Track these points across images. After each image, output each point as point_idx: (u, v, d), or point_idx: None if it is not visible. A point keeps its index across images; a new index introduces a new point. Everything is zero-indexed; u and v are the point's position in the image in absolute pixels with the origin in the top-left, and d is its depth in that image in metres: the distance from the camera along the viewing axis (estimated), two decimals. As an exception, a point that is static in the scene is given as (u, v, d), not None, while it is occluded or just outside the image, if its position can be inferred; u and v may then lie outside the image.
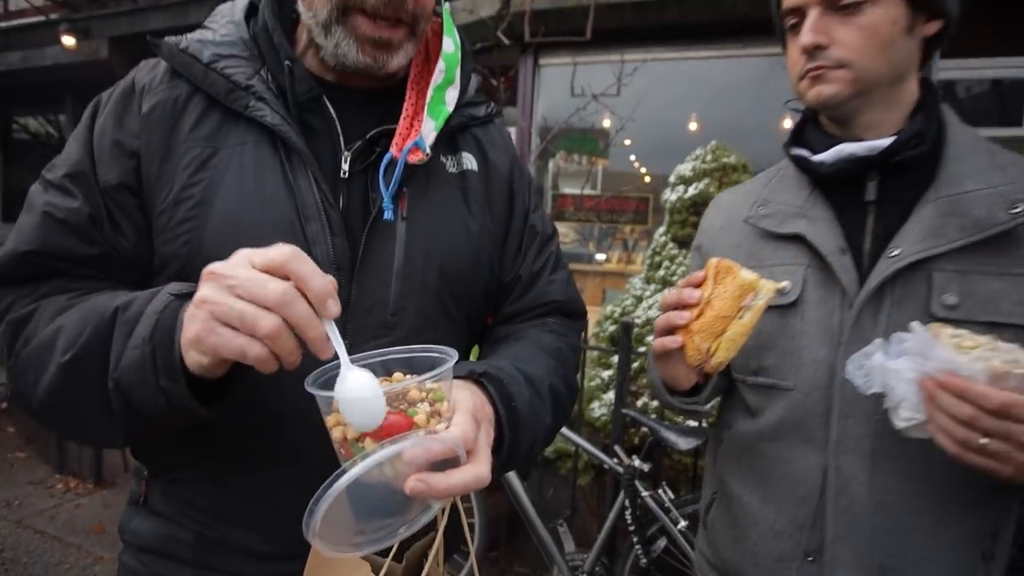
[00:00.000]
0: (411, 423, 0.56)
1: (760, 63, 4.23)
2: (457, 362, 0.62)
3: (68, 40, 6.35)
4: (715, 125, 4.62)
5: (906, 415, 0.73)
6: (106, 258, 0.75)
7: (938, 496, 0.83)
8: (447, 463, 0.57)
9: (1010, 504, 0.86)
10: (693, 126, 4.85)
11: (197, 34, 0.81)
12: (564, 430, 2.50)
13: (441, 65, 0.83)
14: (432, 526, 0.65)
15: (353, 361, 0.60)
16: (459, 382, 0.69)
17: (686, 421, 2.52)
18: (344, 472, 0.50)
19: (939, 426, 0.69)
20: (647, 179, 5.07)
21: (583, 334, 2.60)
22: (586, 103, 3.28)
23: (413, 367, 0.64)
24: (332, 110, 0.80)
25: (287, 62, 0.77)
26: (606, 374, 2.96)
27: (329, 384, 0.58)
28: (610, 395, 2.84)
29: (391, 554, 0.67)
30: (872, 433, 0.84)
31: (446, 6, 0.88)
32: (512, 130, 4.52)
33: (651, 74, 4.20)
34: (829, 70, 0.85)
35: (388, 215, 0.77)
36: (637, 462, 2.33)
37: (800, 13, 0.87)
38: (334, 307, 0.57)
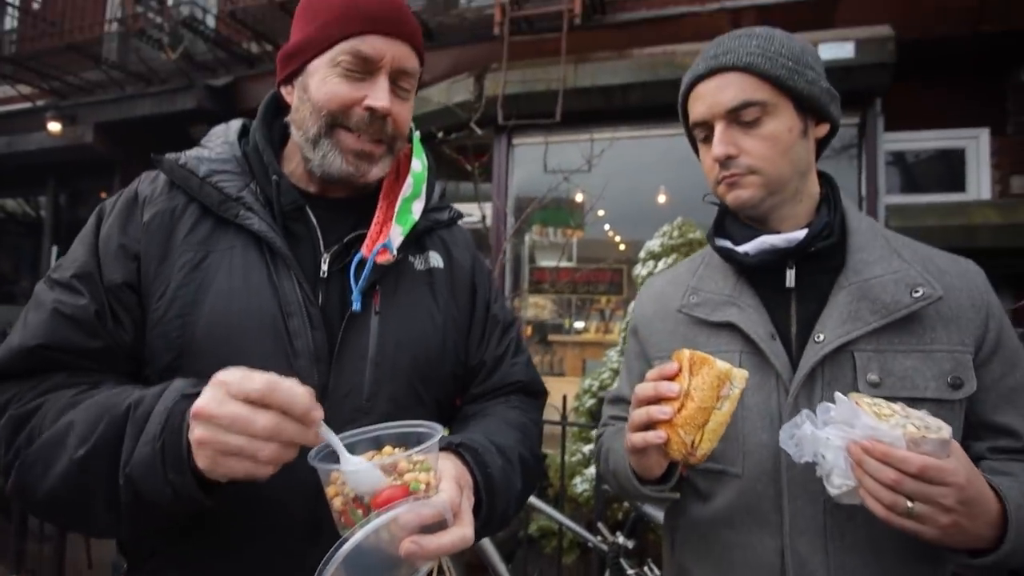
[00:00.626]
0: (406, 491, 0.64)
1: (720, 139, 4.48)
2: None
3: (54, 126, 6.49)
4: (682, 196, 4.84)
5: (838, 482, 0.75)
6: (108, 351, 0.81)
7: (889, 567, 0.87)
8: (435, 526, 0.64)
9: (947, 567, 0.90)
10: (662, 198, 5.06)
11: (195, 151, 0.91)
12: (547, 508, 2.47)
13: (410, 181, 0.96)
14: None
15: (351, 436, 0.69)
16: (440, 452, 0.75)
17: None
18: (348, 539, 0.57)
19: (868, 490, 0.72)
20: (622, 247, 5.23)
21: (563, 408, 2.62)
22: (558, 183, 3.43)
23: (402, 441, 0.71)
24: (313, 218, 0.90)
25: (274, 177, 0.88)
26: (587, 448, 2.96)
27: (327, 459, 0.66)
28: (592, 470, 2.83)
29: None
30: (823, 512, 0.87)
31: (416, 133, 1.01)
32: (488, 206, 4.67)
33: (619, 151, 4.43)
34: (741, 176, 0.93)
35: (356, 306, 0.86)
36: (621, 539, 2.29)
37: (708, 127, 0.96)
38: (318, 414, 0.64)
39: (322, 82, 0.86)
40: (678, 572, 1.06)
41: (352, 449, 0.69)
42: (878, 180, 4.19)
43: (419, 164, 0.99)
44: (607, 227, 5.45)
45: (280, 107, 0.98)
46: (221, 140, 0.94)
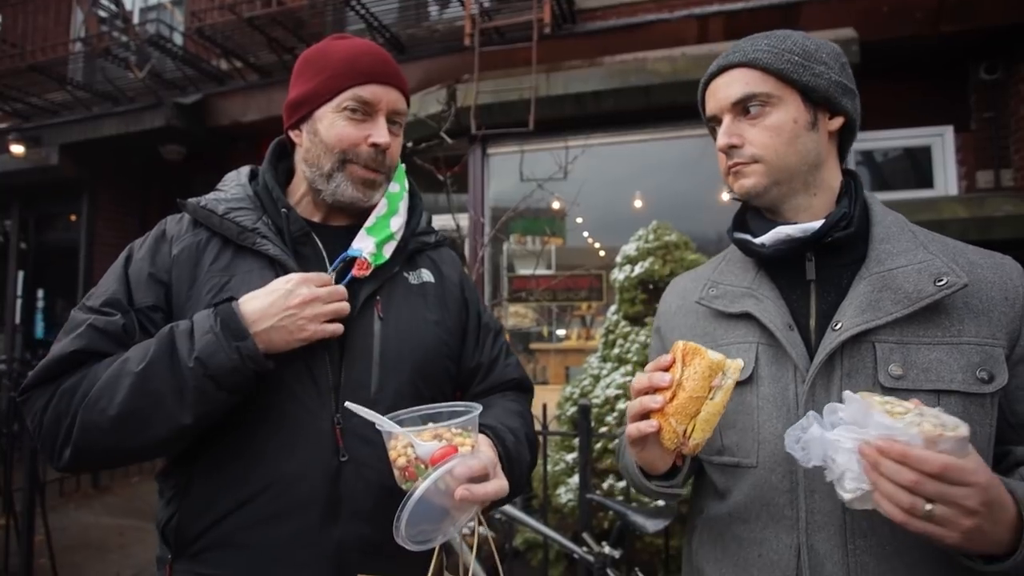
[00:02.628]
0: (455, 450, 0.81)
1: (693, 143, 4.53)
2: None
3: (17, 148, 6.34)
4: (658, 200, 4.86)
5: (851, 486, 0.72)
6: None
7: (914, 571, 0.82)
8: (480, 479, 0.81)
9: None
10: (638, 203, 5.09)
11: (212, 194, 1.09)
12: (531, 521, 2.42)
13: (384, 201, 1.12)
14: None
15: (405, 413, 0.89)
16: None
17: (653, 503, 2.48)
18: (420, 484, 0.76)
19: (884, 494, 0.68)
20: (601, 253, 5.24)
21: (543, 418, 2.58)
22: (532, 190, 3.42)
23: (446, 417, 0.89)
24: (319, 242, 1.08)
25: (284, 210, 1.06)
26: (570, 457, 2.92)
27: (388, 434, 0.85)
28: (575, 479, 2.79)
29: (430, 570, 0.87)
30: (842, 507, 0.83)
31: (401, 165, 1.17)
32: (461, 216, 4.65)
33: (594, 158, 4.45)
34: (745, 165, 0.96)
35: (347, 277, 1.04)
36: (607, 549, 2.26)
37: (718, 120, 1.00)
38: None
39: (331, 125, 1.03)
40: (694, 573, 1.03)
41: (404, 423, 0.87)
42: (848, 179, 4.25)
43: (396, 186, 1.15)
44: (586, 234, 5.46)
45: (281, 153, 1.16)
46: (234, 183, 1.11)
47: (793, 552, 0.86)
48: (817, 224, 0.93)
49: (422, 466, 0.81)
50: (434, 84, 4.86)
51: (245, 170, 1.15)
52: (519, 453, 1.03)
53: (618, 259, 3.21)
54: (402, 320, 1.07)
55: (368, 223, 1.08)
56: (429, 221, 1.23)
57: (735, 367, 0.81)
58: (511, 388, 1.22)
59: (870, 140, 4.80)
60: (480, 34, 4.62)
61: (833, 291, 0.93)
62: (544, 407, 2.58)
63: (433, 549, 0.84)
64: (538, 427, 2.60)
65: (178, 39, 6.22)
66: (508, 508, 2.38)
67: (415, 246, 1.16)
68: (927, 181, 4.78)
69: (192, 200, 1.07)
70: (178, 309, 0.99)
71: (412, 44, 5.39)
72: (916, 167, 4.86)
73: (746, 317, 0.97)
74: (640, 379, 0.86)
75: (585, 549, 2.32)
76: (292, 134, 1.11)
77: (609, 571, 2.22)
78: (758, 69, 0.96)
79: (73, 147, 6.54)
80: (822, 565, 0.84)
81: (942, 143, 4.73)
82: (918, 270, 0.87)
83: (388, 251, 1.09)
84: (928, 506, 0.67)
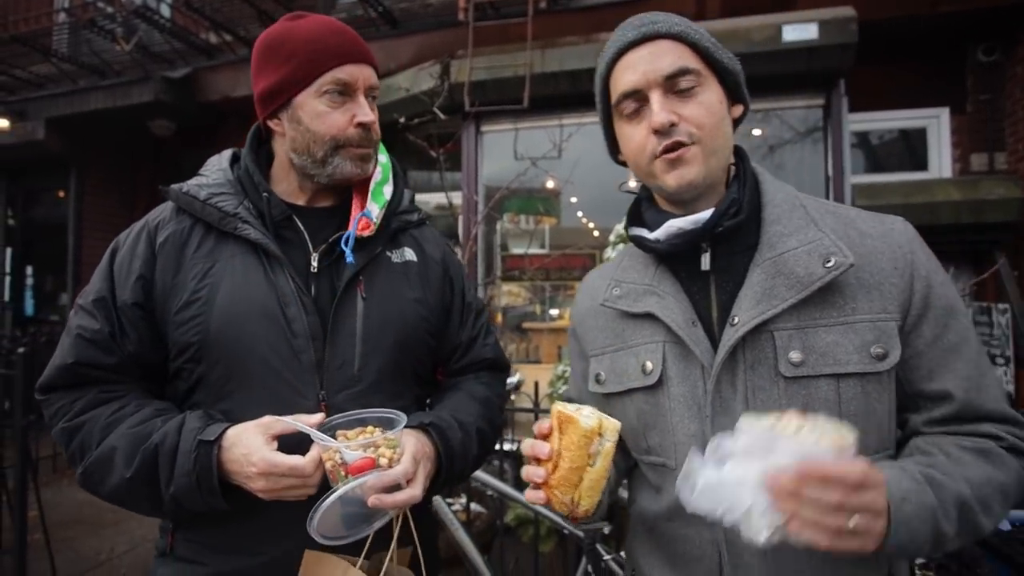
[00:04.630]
0: (374, 463, 0.89)
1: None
2: (411, 415, 1.02)
3: (2, 122, 6.22)
4: (653, 181, 4.82)
5: (763, 523, 0.66)
6: (123, 365, 1.01)
7: (826, 552, 0.83)
8: (394, 488, 0.91)
9: None
10: (632, 183, 5.03)
11: (195, 180, 1.09)
12: (522, 497, 2.45)
13: (379, 169, 1.16)
14: (390, 539, 0.98)
15: (339, 420, 0.95)
16: (409, 430, 0.99)
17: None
18: (333, 491, 0.87)
19: (807, 521, 0.65)
20: (595, 233, 5.22)
21: (535, 396, 2.60)
22: (525, 169, 3.39)
23: (381, 423, 0.96)
24: (301, 225, 1.09)
25: (265, 194, 1.07)
26: (562, 434, 2.94)
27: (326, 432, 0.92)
28: (567, 456, 2.81)
29: (363, 555, 0.96)
30: None
31: None
32: (457, 194, 4.62)
33: (588, 137, 4.38)
34: (686, 150, 0.88)
35: (350, 259, 1.06)
36: (597, 523, 2.29)
37: (640, 97, 0.90)
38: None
39: (315, 113, 1.03)
40: (632, 565, 1.04)
41: (345, 427, 0.94)
42: (844, 160, 4.24)
43: (384, 156, 1.19)
44: (580, 213, 5.43)
45: (262, 137, 1.16)
46: (216, 168, 1.12)
47: (714, 547, 0.87)
48: (707, 215, 0.90)
49: (343, 473, 0.89)
50: (427, 60, 4.78)
51: (227, 154, 1.16)
52: (464, 448, 1.09)
53: (611, 238, 3.20)
54: (384, 299, 1.09)
55: (371, 187, 1.13)
56: (412, 199, 1.25)
57: (612, 429, 0.80)
58: (486, 368, 1.27)
59: (866, 121, 4.78)
60: (475, 9, 4.54)
61: (731, 281, 0.91)
62: (536, 385, 2.59)
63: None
64: (530, 405, 2.62)
65: (165, 11, 6.08)
66: (498, 484, 2.40)
67: (398, 224, 1.18)
68: (922, 163, 4.77)
69: (175, 186, 1.08)
70: (161, 298, 1.02)
71: (405, 18, 5.30)
72: (911, 149, 4.85)
73: (650, 317, 0.94)
74: (524, 446, 0.85)
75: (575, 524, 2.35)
76: (271, 123, 1.09)
77: (599, 546, 2.25)
78: (685, 43, 0.89)
79: (59, 121, 6.42)
80: (740, 556, 0.85)
81: (937, 125, 4.72)
82: (808, 251, 0.85)
83: (379, 219, 1.11)
84: (851, 522, 0.65)
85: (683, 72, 0.87)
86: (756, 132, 4.74)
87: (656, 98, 0.88)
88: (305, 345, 1.01)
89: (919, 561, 2.91)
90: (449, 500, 3.08)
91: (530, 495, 0.84)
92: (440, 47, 4.88)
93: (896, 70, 4.61)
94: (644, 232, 0.97)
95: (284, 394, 0.99)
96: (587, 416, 0.80)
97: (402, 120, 3.16)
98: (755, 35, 4.07)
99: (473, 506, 2.97)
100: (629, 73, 0.90)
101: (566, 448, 0.79)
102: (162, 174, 7.17)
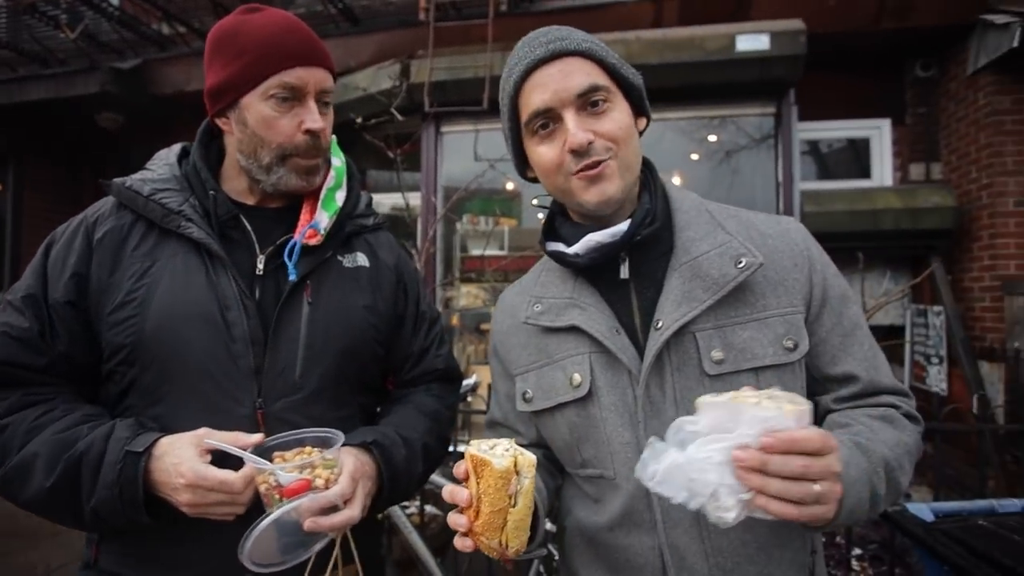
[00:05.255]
0: (309, 485, 0.86)
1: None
2: (355, 432, 1.01)
3: (-67, 111, 5.86)
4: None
5: (730, 501, 0.65)
6: (53, 366, 0.96)
7: (762, 539, 0.86)
8: (331, 509, 0.88)
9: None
10: (543, 198, 5.08)
11: (140, 174, 1.05)
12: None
13: (332, 173, 1.11)
14: (333, 563, 0.95)
15: (276, 441, 0.92)
16: (350, 449, 0.97)
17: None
18: (266, 516, 0.83)
19: (774, 493, 0.65)
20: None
21: (489, 397, 2.60)
22: (484, 170, 3.40)
23: (319, 442, 0.93)
24: (248, 225, 1.05)
25: (211, 192, 1.03)
26: (517, 435, 2.95)
27: (260, 455, 0.88)
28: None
29: (306, 572, 0.93)
30: None
31: (333, 137, 1.13)
32: (415, 195, 4.59)
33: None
34: (604, 165, 0.88)
35: (292, 276, 1.02)
36: (548, 525, 2.31)
37: (553, 116, 0.89)
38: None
39: (261, 117, 0.99)
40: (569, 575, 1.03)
41: (282, 447, 0.92)
42: (793, 167, 4.39)
43: (338, 160, 1.14)
44: (540, 216, 5.46)
45: (213, 132, 1.11)
46: (163, 162, 1.08)
47: (656, 553, 0.88)
48: (624, 227, 0.91)
49: (276, 496, 0.86)
50: (388, 58, 4.74)
51: (176, 148, 1.11)
52: (409, 466, 1.06)
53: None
54: (332, 304, 1.06)
55: (322, 194, 1.08)
56: (369, 203, 1.22)
57: (528, 464, 0.78)
58: (437, 379, 1.24)
59: (814, 130, 4.97)
60: (436, 9, 4.52)
61: (651, 287, 0.93)
62: (490, 387, 2.59)
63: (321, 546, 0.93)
64: (484, 408, 2.62)
65: (114, -1, 5.84)
66: (437, 479, 2.41)
67: (352, 228, 1.14)
68: (867, 172, 4.99)
69: (117, 180, 1.03)
70: (96, 297, 0.97)
71: (366, 16, 5.23)
72: (857, 158, 5.06)
73: (574, 330, 0.94)
74: (445, 493, 0.82)
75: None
76: (219, 121, 1.05)
77: (550, 546, 2.27)
78: (593, 60, 0.89)
79: (-2, 111, 6.09)
80: (683, 559, 0.86)
81: (880, 135, 4.93)
82: (719, 254, 0.89)
83: (329, 225, 1.08)
84: (816, 487, 0.65)
85: (594, 89, 0.88)
86: (712, 138, 4.87)
87: (570, 117, 0.88)
88: (244, 350, 0.97)
89: (855, 552, 3.05)
90: (404, 503, 3.06)
91: (457, 543, 0.81)
92: (401, 46, 4.84)
93: (843, 82, 4.80)
94: (562, 247, 0.98)
95: (219, 400, 0.95)
96: (500, 456, 0.77)
97: (359, 120, 3.12)
98: (710, 44, 4.18)
99: (429, 508, 2.95)
100: (540, 92, 0.89)
101: (485, 492, 0.76)
102: (110, 169, 6.89)
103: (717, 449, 0.65)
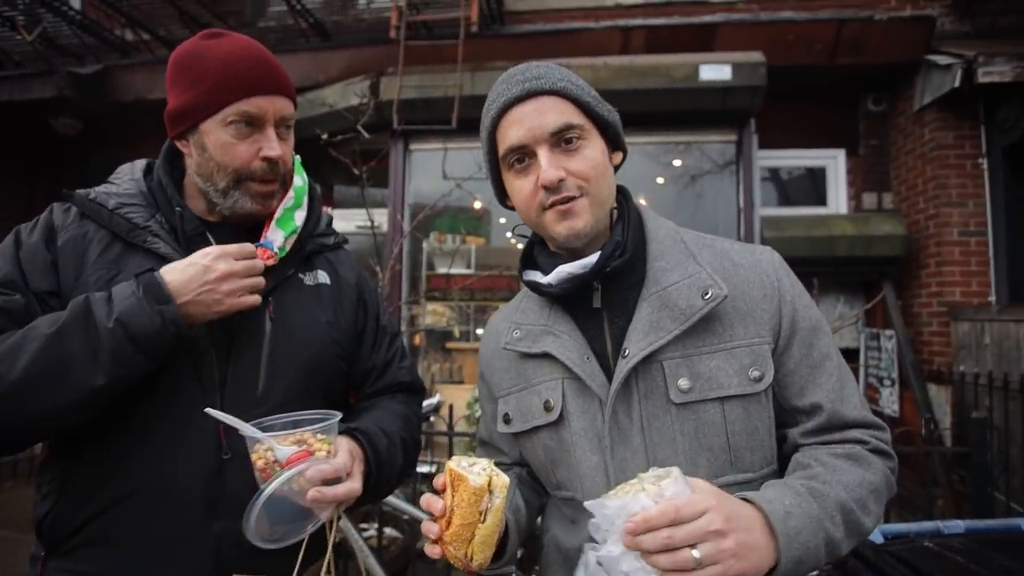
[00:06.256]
0: (310, 454, 0.86)
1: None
2: (339, 421, 0.98)
3: None
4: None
5: None
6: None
7: None
8: (333, 482, 0.88)
9: None
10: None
11: (103, 187, 1.06)
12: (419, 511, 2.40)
13: (291, 194, 1.12)
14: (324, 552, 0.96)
15: (276, 418, 0.93)
16: (339, 435, 0.98)
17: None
18: (271, 482, 0.81)
19: (663, 566, 0.69)
20: (523, 255, 5.27)
21: (449, 418, 2.57)
22: (451, 189, 3.40)
23: (308, 423, 0.92)
24: (213, 241, 1.04)
25: (178, 209, 1.05)
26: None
27: (253, 439, 0.88)
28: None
29: (295, 573, 0.92)
30: None
31: (296, 156, 1.15)
32: (383, 212, 4.56)
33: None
34: (575, 201, 0.91)
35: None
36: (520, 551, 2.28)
37: (528, 152, 0.93)
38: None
39: (219, 143, 1.00)
40: None
41: (275, 428, 0.91)
42: (753, 194, 4.53)
43: (299, 179, 1.15)
44: (509, 235, 5.49)
45: (177, 150, 1.10)
46: (128, 177, 1.09)
47: None
48: (594, 259, 0.94)
49: (278, 468, 0.86)
50: (357, 74, 4.73)
51: (140, 164, 1.13)
52: (391, 456, 1.08)
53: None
54: (294, 321, 1.08)
55: (277, 214, 1.09)
56: (329, 222, 1.24)
57: (501, 486, 0.82)
58: (401, 391, 1.26)
59: (774, 159, 5.14)
60: (407, 27, 4.54)
61: (622, 315, 0.95)
62: (451, 408, 2.57)
63: (302, 548, 0.91)
64: (445, 428, 2.59)
65: (76, 2, 5.69)
66: (410, 508, 2.36)
67: (313, 247, 1.16)
68: (823, 199, 5.18)
69: (80, 192, 1.04)
70: (67, 296, 0.96)
71: (337, 31, 5.22)
72: (815, 186, 5.25)
73: (547, 356, 0.97)
74: (422, 501, 0.86)
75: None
76: (179, 144, 1.07)
77: (512, 568, 2.24)
78: (567, 99, 0.92)
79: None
80: None
81: (835, 165, 5.14)
82: (688, 285, 0.91)
83: (289, 245, 1.09)
84: (695, 552, 0.68)
85: (568, 128, 0.91)
86: (677, 163, 4.99)
87: (543, 154, 0.91)
88: (209, 366, 0.98)
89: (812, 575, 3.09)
90: (363, 525, 2.99)
91: (427, 549, 0.85)
92: (371, 62, 4.84)
93: (802, 112, 4.99)
94: (538, 276, 1.01)
95: (183, 414, 0.96)
96: (477, 474, 0.82)
97: (325, 136, 3.09)
98: (675, 72, 4.31)
99: (387, 531, 2.89)
100: (515, 128, 0.93)
101: (458, 505, 0.81)
102: (66, 173, 6.65)
103: (614, 542, 0.72)
